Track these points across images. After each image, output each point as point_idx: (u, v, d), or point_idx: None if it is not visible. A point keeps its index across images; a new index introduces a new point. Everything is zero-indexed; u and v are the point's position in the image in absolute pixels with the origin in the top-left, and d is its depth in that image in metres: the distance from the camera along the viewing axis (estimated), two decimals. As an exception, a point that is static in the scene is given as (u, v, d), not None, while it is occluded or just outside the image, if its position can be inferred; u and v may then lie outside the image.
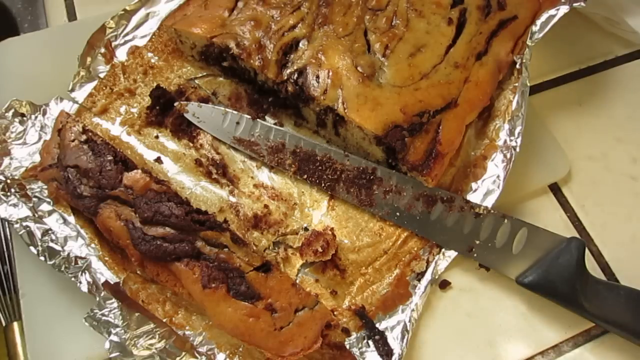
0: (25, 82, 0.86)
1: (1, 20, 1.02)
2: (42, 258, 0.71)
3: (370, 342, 0.68)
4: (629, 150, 0.88)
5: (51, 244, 0.72)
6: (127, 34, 0.88)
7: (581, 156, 0.88)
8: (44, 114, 0.81)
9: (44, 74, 0.87)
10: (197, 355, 0.67)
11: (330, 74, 0.75)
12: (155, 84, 0.84)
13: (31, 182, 0.75)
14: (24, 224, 0.72)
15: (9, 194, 0.74)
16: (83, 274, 0.70)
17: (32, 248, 0.71)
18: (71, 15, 1.00)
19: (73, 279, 0.70)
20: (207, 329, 0.69)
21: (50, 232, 0.72)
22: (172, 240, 0.67)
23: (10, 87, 0.86)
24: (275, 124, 0.84)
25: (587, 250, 0.80)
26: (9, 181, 0.75)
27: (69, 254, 0.71)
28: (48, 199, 0.74)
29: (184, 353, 0.67)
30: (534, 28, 0.77)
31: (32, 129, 0.80)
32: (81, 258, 0.71)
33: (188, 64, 0.88)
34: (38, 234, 0.72)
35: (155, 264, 0.68)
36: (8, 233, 0.80)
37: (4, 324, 0.76)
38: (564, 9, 0.76)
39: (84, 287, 0.69)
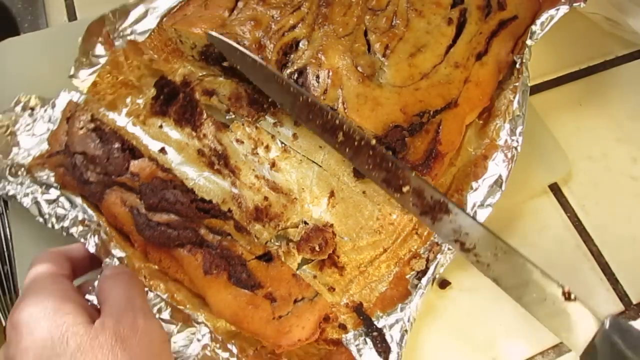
0: (25, 82, 0.86)
1: (1, 20, 1.02)
2: (49, 225, 0.71)
3: (368, 339, 0.68)
4: (629, 150, 0.88)
5: (58, 209, 0.72)
6: (125, 29, 0.87)
7: (581, 156, 0.88)
8: (53, 107, 0.82)
9: (44, 74, 0.87)
10: (195, 324, 0.67)
11: (330, 74, 0.75)
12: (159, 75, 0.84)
13: (39, 169, 0.76)
14: (32, 196, 0.73)
15: (16, 175, 0.75)
16: (93, 236, 0.70)
17: (39, 218, 0.72)
18: (71, 15, 1.00)
19: (82, 239, 0.70)
20: (206, 311, 0.69)
21: (57, 200, 0.73)
22: (176, 227, 0.67)
23: (10, 87, 0.86)
24: (275, 123, 0.84)
25: (587, 250, 0.81)
26: (16, 166, 0.76)
27: (76, 216, 0.72)
28: (55, 184, 0.75)
29: (180, 324, 0.67)
30: (534, 28, 0.77)
31: (40, 121, 0.81)
32: (90, 221, 0.71)
33: (188, 64, 0.88)
34: (45, 204, 0.73)
35: (158, 250, 0.68)
36: (8, 233, 0.80)
37: (4, 324, 0.76)
38: (564, 9, 0.76)
39: (92, 248, 0.69)
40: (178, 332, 0.66)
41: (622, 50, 0.97)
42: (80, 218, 0.72)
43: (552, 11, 0.77)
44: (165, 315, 0.67)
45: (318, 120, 0.59)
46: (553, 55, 0.96)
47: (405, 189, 0.57)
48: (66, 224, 0.71)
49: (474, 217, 0.58)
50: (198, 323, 0.67)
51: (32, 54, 0.90)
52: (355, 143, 0.58)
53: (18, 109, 0.81)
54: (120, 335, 0.47)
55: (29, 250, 0.75)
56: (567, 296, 0.54)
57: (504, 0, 0.81)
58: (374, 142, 0.58)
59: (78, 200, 0.74)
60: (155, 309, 0.67)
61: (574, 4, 0.76)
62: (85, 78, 0.84)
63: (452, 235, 0.58)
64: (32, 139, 0.80)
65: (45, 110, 0.82)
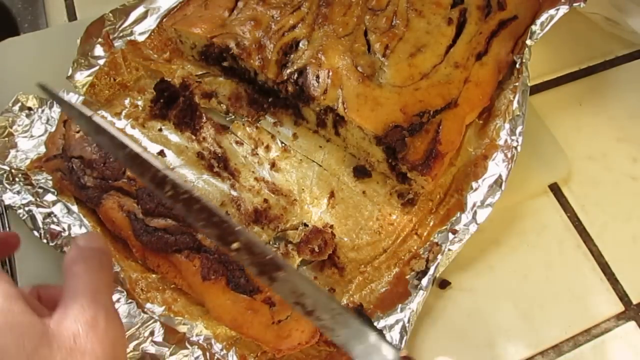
0: (25, 83, 0.86)
1: (1, 20, 1.02)
2: (44, 240, 0.72)
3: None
4: (629, 150, 0.88)
5: (53, 226, 0.72)
6: (125, 29, 0.87)
7: (581, 156, 0.87)
8: (51, 107, 0.82)
9: (44, 75, 0.86)
10: (188, 346, 0.67)
11: (330, 74, 0.75)
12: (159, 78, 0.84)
13: (36, 173, 0.76)
14: (27, 208, 0.73)
15: (13, 182, 0.75)
16: None
17: (34, 232, 0.72)
18: (71, 15, 1.00)
19: None
20: (205, 319, 0.69)
21: (52, 215, 0.73)
22: (173, 232, 0.67)
23: (10, 87, 0.85)
24: (275, 123, 0.84)
25: (587, 250, 0.81)
26: (13, 170, 0.76)
27: (70, 234, 0.72)
28: (52, 189, 0.75)
29: (173, 346, 0.67)
30: (534, 28, 0.77)
31: (38, 122, 0.81)
32: None
33: (188, 64, 0.88)
34: (40, 217, 0.73)
35: (156, 256, 0.68)
36: (8, 233, 0.80)
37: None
38: (563, 9, 0.76)
39: None
40: (171, 354, 0.66)
41: (622, 50, 0.97)
42: (73, 234, 0.72)
43: (552, 11, 0.77)
44: (158, 337, 0.67)
45: (146, 175, 0.55)
46: (553, 55, 0.95)
47: (234, 246, 0.54)
48: (60, 241, 0.71)
49: (306, 278, 0.53)
50: (192, 344, 0.67)
51: (32, 54, 0.90)
52: (181, 197, 0.54)
53: (16, 108, 0.81)
54: (78, 335, 0.44)
55: (29, 250, 0.75)
56: None
57: (504, 0, 0.81)
58: (197, 194, 0.55)
59: (74, 208, 0.74)
60: (147, 332, 0.67)
61: (574, 4, 0.76)
62: (83, 79, 0.84)
63: (292, 297, 0.53)
64: (30, 141, 0.79)
65: (43, 111, 0.81)
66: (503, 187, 0.73)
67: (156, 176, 0.56)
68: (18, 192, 0.74)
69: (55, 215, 0.74)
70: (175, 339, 0.68)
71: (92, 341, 0.45)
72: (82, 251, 0.51)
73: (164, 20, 0.87)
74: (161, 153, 0.81)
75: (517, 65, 0.78)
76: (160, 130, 0.83)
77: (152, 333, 0.67)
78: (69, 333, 0.44)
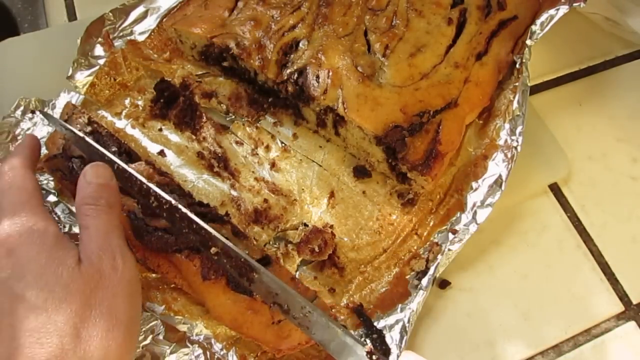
0: (25, 83, 0.86)
1: (1, 20, 1.02)
2: None
3: (368, 341, 0.68)
4: (629, 150, 0.88)
5: None
6: (125, 29, 0.87)
7: (581, 156, 0.88)
8: (53, 108, 0.82)
9: (44, 75, 0.87)
10: (188, 344, 0.67)
11: (330, 74, 0.75)
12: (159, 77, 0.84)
13: (38, 174, 0.76)
14: None
15: None
16: None
17: None
18: (71, 15, 1.00)
19: None
20: (205, 319, 0.69)
21: (53, 214, 0.74)
22: (173, 232, 0.67)
23: (10, 87, 0.86)
24: (275, 123, 0.84)
25: (587, 250, 0.81)
26: None
27: (70, 230, 0.73)
28: (53, 191, 0.75)
29: (173, 344, 0.67)
30: (534, 28, 0.77)
31: (40, 124, 0.81)
32: None
33: (188, 64, 0.88)
34: None
35: (156, 255, 0.68)
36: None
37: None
38: (563, 9, 0.76)
39: None
40: (171, 352, 0.67)
41: (622, 50, 0.97)
42: (74, 231, 0.72)
43: (552, 11, 0.77)
44: (159, 336, 0.67)
45: (133, 187, 0.63)
46: (553, 55, 0.96)
47: (213, 250, 0.61)
48: None
49: (277, 279, 0.58)
50: (192, 343, 0.68)
51: (32, 54, 0.90)
52: (165, 206, 0.62)
53: (18, 113, 0.81)
54: (103, 273, 0.52)
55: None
56: (370, 356, 0.54)
57: (504, 0, 0.81)
58: (176, 203, 0.62)
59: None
60: (148, 330, 0.68)
61: (574, 4, 0.76)
62: (83, 79, 0.84)
63: (269, 297, 0.58)
64: None
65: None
66: (503, 187, 0.73)
67: (142, 188, 0.63)
68: None
69: (57, 215, 0.74)
70: (176, 337, 0.68)
71: (112, 280, 0.53)
72: (90, 189, 0.57)
73: (164, 20, 0.87)
74: (161, 153, 0.81)
75: (517, 65, 0.78)
76: (161, 130, 0.83)
77: (152, 331, 0.67)
78: (94, 271, 0.52)
